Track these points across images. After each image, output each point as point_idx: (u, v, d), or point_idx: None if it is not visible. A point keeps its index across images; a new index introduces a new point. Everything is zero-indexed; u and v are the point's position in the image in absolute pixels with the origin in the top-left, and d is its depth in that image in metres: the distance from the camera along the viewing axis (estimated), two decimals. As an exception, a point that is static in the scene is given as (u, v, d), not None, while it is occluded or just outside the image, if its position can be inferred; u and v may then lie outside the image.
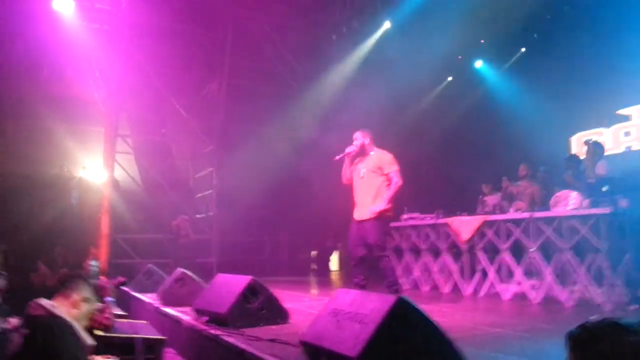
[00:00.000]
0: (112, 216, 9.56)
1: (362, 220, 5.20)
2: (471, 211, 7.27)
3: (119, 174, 10.16)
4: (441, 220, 7.18)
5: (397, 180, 5.21)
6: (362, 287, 5.09)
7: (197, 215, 10.76)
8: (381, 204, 5.12)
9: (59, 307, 2.61)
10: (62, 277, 2.87)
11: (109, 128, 10.06)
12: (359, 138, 5.36)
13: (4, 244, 5.85)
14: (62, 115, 10.48)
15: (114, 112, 10.10)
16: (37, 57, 10.39)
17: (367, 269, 5.28)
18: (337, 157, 5.36)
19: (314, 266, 12.32)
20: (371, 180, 5.25)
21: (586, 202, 5.61)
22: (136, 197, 10.28)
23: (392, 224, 8.09)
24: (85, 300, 2.75)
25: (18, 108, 10.44)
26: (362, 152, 5.37)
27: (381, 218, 5.15)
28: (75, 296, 2.72)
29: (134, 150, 10.53)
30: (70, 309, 2.67)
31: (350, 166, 5.41)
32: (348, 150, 5.33)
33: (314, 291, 8.33)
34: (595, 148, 6.69)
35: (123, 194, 10.12)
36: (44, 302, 2.58)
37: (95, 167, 10.81)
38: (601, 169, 6.36)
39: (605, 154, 8.47)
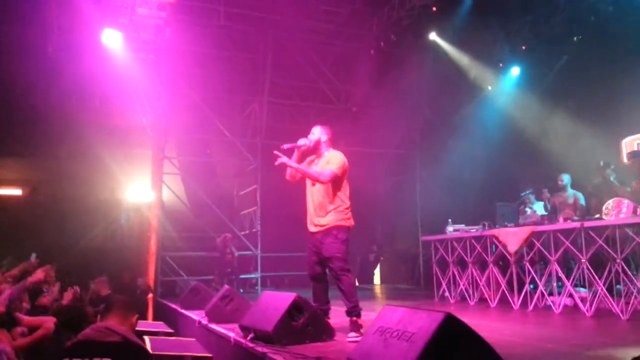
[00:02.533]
0: (159, 235, 9.83)
1: (314, 233, 4.54)
2: (516, 222, 7.11)
3: (166, 194, 10.47)
4: (487, 232, 7.05)
5: (324, 176, 4.42)
6: (325, 312, 4.56)
7: (242, 232, 10.94)
8: (336, 217, 4.43)
9: (128, 331, 2.64)
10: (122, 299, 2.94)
11: (156, 151, 10.41)
12: (316, 133, 4.65)
13: (55, 262, 6.11)
14: (111, 140, 10.97)
15: (160, 135, 10.46)
16: (88, 87, 10.92)
17: (324, 291, 4.66)
18: (286, 146, 4.56)
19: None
20: (323, 189, 4.52)
21: (640, 209, 5.42)
22: (183, 216, 10.57)
23: (436, 237, 8.03)
24: (136, 321, 2.83)
25: (71, 134, 10.97)
26: (315, 150, 4.66)
27: (336, 228, 4.42)
28: (132, 317, 2.78)
29: (181, 171, 10.84)
30: (130, 330, 2.73)
31: (299, 163, 4.66)
32: (300, 142, 4.59)
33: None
34: (637, 159, 6.53)
35: (170, 213, 10.42)
36: (114, 327, 2.59)
37: (144, 189, 11.19)
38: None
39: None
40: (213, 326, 5.25)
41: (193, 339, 4.93)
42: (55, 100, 11.09)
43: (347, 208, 4.54)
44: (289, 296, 4.27)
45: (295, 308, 4.18)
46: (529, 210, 7.61)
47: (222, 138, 10.97)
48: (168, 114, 10.48)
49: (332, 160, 4.55)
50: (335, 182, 4.50)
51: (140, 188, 11.70)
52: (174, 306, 7.55)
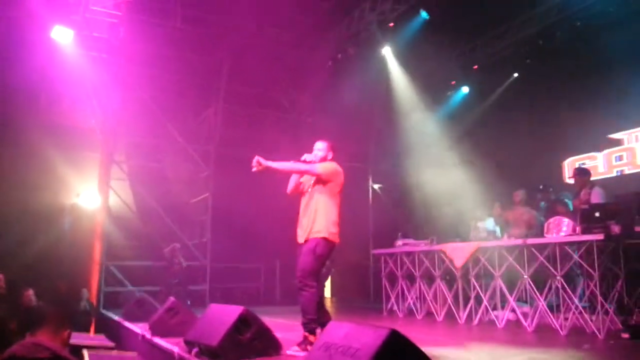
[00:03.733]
0: (104, 243, 9.49)
1: (302, 244, 4.58)
2: (466, 237, 7.28)
3: (113, 200, 10.13)
4: (435, 247, 7.18)
5: (313, 168, 4.50)
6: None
7: (191, 242, 10.70)
8: (318, 226, 4.43)
9: (59, 346, 2.51)
10: (51, 312, 2.77)
11: (105, 154, 10.08)
12: (323, 150, 4.67)
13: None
14: (58, 142, 10.50)
15: (110, 138, 10.13)
16: (35, 85, 10.46)
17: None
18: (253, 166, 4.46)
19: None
20: (313, 196, 4.57)
21: (579, 228, 5.64)
22: (130, 224, 10.24)
23: (386, 251, 8.11)
24: (69, 335, 2.70)
25: (14, 135, 10.46)
26: None
27: (316, 243, 4.42)
28: (64, 331, 2.66)
29: (129, 176, 10.52)
30: (62, 345, 2.61)
31: (299, 178, 4.75)
32: (307, 159, 4.61)
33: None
34: (582, 176, 6.84)
35: (117, 220, 10.08)
36: (44, 342, 2.46)
37: (90, 194, 10.78)
38: (596, 196, 6.43)
39: (598, 177, 8.65)
40: (157, 340, 5.09)
41: (135, 353, 4.76)
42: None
43: (334, 224, 4.51)
44: (236, 309, 4.20)
45: (242, 322, 4.11)
46: (480, 224, 7.81)
47: (174, 143, 10.72)
48: (119, 116, 10.16)
49: (325, 165, 4.59)
50: (327, 198, 4.52)
51: (87, 193, 11.27)
52: (117, 318, 7.30)
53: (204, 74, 11.21)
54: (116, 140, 10.30)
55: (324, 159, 4.64)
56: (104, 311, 8.74)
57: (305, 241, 4.52)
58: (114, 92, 10.06)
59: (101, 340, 5.47)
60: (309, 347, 4.17)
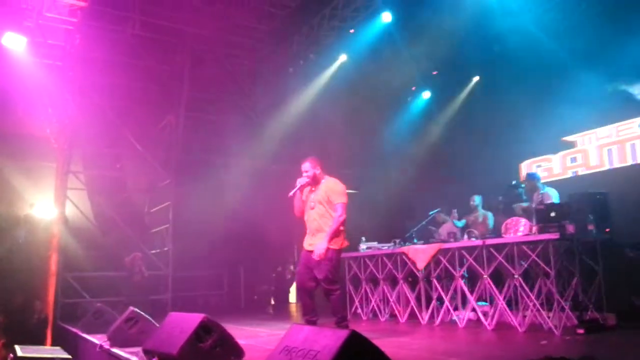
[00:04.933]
0: (62, 254, 9.20)
1: (311, 251, 5.05)
2: (426, 240, 7.38)
3: (70, 210, 9.83)
4: (398, 250, 7.25)
5: (340, 214, 5.03)
6: (313, 323, 4.93)
7: (153, 251, 10.48)
8: (327, 240, 4.95)
9: None
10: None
11: (61, 164, 9.78)
12: (310, 169, 5.23)
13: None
14: (11, 151, 10.15)
15: (66, 147, 9.84)
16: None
17: (314, 303, 5.12)
18: (291, 194, 5.24)
19: (272, 300, 12.14)
20: (321, 211, 5.13)
21: (535, 228, 5.80)
22: (88, 234, 9.94)
23: (350, 254, 8.15)
24: (4, 346, 2.60)
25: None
26: (314, 182, 5.25)
27: (330, 252, 4.96)
28: None
29: (87, 185, 10.23)
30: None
31: (302, 197, 5.31)
32: (300, 183, 5.20)
33: (271, 326, 8.19)
34: (531, 180, 7.10)
35: (75, 230, 9.78)
36: None
37: (46, 204, 10.44)
38: (548, 197, 6.65)
39: (554, 178, 8.92)
40: (115, 350, 4.96)
41: (91, 365, 4.62)
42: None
43: (342, 231, 5.08)
44: (197, 317, 4.12)
45: (203, 329, 4.04)
46: (444, 226, 7.97)
47: (133, 151, 10.49)
48: (75, 125, 9.88)
49: (335, 190, 5.13)
50: (331, 208, 5.07)
51: (43, 203, 10.91)
52: (74, 330, 7.06)
53: (163, 80, 11.04)
54: (72, 150, 10.01)
55: (315, 177, 5.21)
56: (61, 323, 8.45)
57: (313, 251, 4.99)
58: (70, 101, 9.79)
59: (57, 352, 5.29)
60: None
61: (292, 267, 12.45)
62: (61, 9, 9.34)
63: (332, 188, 5.16)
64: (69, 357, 5.10)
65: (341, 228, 5.06)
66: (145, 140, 10.64)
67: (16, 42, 8.98)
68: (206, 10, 10.21)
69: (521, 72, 9.58)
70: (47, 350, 5.81)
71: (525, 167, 9.95)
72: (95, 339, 5.71)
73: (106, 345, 5.20)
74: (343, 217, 5.05)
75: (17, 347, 4.76)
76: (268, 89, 11.63)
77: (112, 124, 10.14)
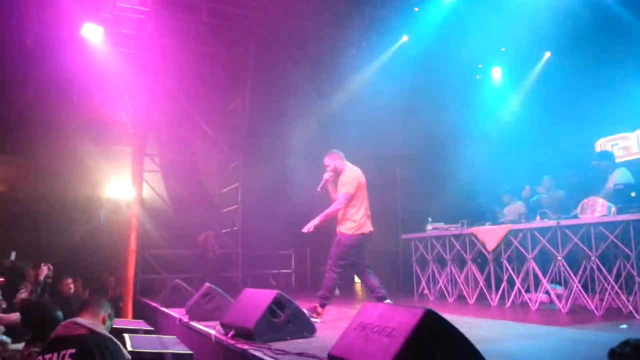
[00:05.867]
0: (139, 233, 9.75)
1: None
2: (495, 220, 7.23)
3: (147, 192, 10.37)
4: (466, 230, 7.15)
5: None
6: (380, 299, 5.28)
7: (223, 230, 10.89)
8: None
9: (93, 322, 2.66)
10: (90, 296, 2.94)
11: (137, 148, 10.29)
12: (330, 164, 5.55)
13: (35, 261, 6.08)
14: (91, 137, 10.81)
15: (141, 132, 10.33)
16: (67, 82, 10.75)
17: (372, 280, 5.48)
18: (319, 188, 5.52)
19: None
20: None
21: (614, 208, 5.54)
22: (164, 214, 10.47)
23: (416, 235, 8.14)
24: (109, 317, 2.84)
25: (49, 131, 10.80)
26: (337, 174, 5.56)
27: (340, 235, 5.36)
28: (103, 313, 2.79)
29: (162, 168, 10.74)
30: (101, 324, 2.74)
31: (334, 189, 5.59)
32: (325, 177, 5.51)
33: (339, 304, 8.34)
34: (604, 159, 6.75)
35: (150, 211, 10.32)
36: (81, 320, 2.62)
37: (124, 186, 11.08)
38: (621, 177, 6.31)
39: (631, 158, 8.45)
40: (194, 324, 5.24)
41: (174, 337, 4.91)
42: (32, 95, 10.89)
43: (358, 219, 5.36)
44: (271, 293, 4.29)
45: (277, 305, 4.20)
46: (511, 207, 7.74)
47: (204, 135, 10.89)
48: (149, 110, 10.36)
49: (343, 181, 5.44)
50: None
51: (120, 185, 11.57)
52: (154, 304, 7.50)
53: (230, 66, 11.33)
54: (147, 134, 10.51)
55: (336, 169, 5.52)
56: (141, 298, 8.99)
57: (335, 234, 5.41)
58: (144, 87, 10.24)
59: (141, 324, 5.66)
60: (314, 316, 5.10)
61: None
62: (134, -1, 9.75)
63: (341, 179, 5.48)
64: (152, 329, 5.44)
65: (355, 216, 5.35)
66: (214, 125, 11.03)
67: (94, 33, 9.46)
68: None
69: (595, 47, 9.09)
70: (133, 322, 6.22)
71: (601, 146, 9.48)
72: (175, 313, 6.06)
73: (185, 319, 5.51)
74: (339, 207, 5.35)
75: (106, 319, 5.13)
76: (331, 71, 11.62)
77: (183, 109, 10.55)
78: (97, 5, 9.65)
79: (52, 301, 5.89)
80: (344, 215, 5.39)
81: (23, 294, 5.37)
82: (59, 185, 11.14)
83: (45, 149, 11.21)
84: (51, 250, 9.23)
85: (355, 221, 5.36)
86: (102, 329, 2.67)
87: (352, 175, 5.46)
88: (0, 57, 10.22)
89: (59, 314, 3.50)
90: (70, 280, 7.64)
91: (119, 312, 8.92)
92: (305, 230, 5.35)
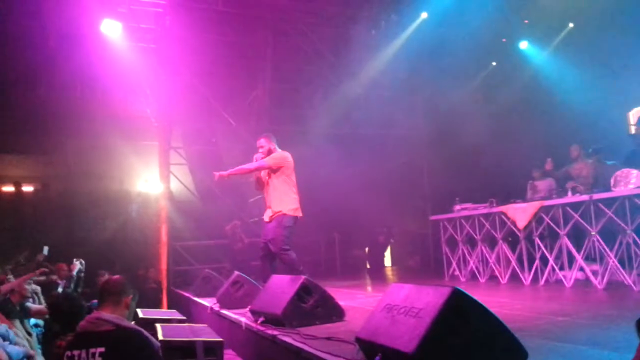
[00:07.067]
0: (169, 225, 9.88)
1: (267, 222, 5.41)
2: (525, 197, 7.06)
3: (174, 184, 10.49)
4: (495, 209, 7.02)
5: (258, 164, 5.38)
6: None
7: (251, 220, 10.95)
8: (279, 205, 5.26)
9: (118, 317, 2.61)
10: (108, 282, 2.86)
11: (162, 141, 10.40)
12: (265, 145, 5.51)
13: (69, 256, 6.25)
14: (118, 132, 10.97)
15: (166, 125, 10.44)
16: (91, 80, 10.92)
17: (271, 266, 5.47)
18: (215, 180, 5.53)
19: (367, 264, 12.30)
20: (271, 182, 5.41)
21: (649, 180, 5.34)
22: (192, 206, 10.57)
23: (444, 216, 8.02)
24: (133, 298, 2.76)
25: (77, 129, 11.01)
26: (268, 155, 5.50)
27: (281, 216, 5.27)
28: (124, 297, 2.72)
29: (188, 160, 10.83)
30: (124, 311, 2.68)
31: (259, 174, 5.57)
32: (258, 157, 5.48)
33: (369, 288, 8.32)
34: None
35: (179, 204, 10.44)
36: (106, 316, 2.56)
37: (153, 180, 11.23)
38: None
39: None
40: (225, 312, 5.30)
41: (205, 325, 4.97)
42: (59, 95, 11.10)
43: (293, 201, 5.35)
44: (298, 279, 4.29)
45: (304, 290, 4.20)
46: (538, 183, 7.49)
47: (226, 125, 10.91)
48: (172, 104, 10.44)
49: (275, 155, 5.45)
50: (281, 182, 5.34)
51: (149, 180, 11.75)
52: (186, 294, 7.63)
53: (248, 54, 11.29)
54: (172, 127, 10.60)
55: (270, 151, 5.47)
56: (173, 289, 9.14)
57: (270, 220, 5.37)
58: (165, 81, 10.31)
59: (173, 314, 5.75)
60: None
61: (384, 229, 12.48)
62: (150, -8, 9.79)
63: (274, 154, 5.49)
64: (184, 318, 5.52)
65: (295, 197, 5.41)
66: (236, 114, 11.02)
67: (113, 29, 9.56)
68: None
69: (622, 13, 8.73)
70: (165, 312, 6.33)
71: (633, 116, 9.16)
72: (206, 302, 6.13)
73: (216, 308, 5.57)
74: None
75: (138, 310, 5.23)
76: (351, 54, 11.49)
77: (205, 100, 10.59)
78: (115, 0, 9.73)
79: (89, 293, 6.05)
80: (285, 194, 5.32)
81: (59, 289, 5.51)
82: (89, 182, 11.38)
83: (74, 146, 11.45)
84: (85, 245, 9.47)
85: (297, 202, 5.37)
86: (127, 321, 2.65)
87: (282, 154, 5.47)
88: (25, 58, 10.43)
89: (86, 304, 3.53)
90: (105, 274, 7.80)
91: (159, 303, 9.10)
92: (217, 176, 5.37)
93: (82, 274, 5.75)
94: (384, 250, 12.79)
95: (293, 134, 11.39)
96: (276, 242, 5.24)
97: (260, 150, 5.51)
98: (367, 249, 12.57)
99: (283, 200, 5.30)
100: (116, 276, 2.89)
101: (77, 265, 5.62)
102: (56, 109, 10.94)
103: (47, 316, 4.69)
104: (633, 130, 8.08)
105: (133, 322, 2.92)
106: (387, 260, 12.99)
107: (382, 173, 11.31)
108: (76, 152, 11.38)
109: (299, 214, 5.38)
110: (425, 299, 2.63)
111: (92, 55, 10.02)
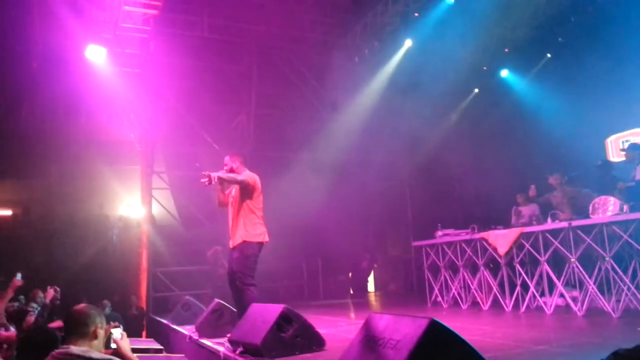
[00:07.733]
0: (151, 250, 9.75)
1: (233, 248, 5.03)
2: (506, 224, 7.11)
3: (156, 209, 10.39)
4: (477, 235, 7.05)
5: (243, 178, 4.92)
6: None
7: (233, 245, 10.86)
8: (246, 232, 4.90)
9: (87, 349, 2.49)
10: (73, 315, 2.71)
11: (145, 166, 10.35)
12: (229, 164, 5.12)
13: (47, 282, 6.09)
14: (101, 157, 10.91)
15: (149, 150, 10.40)
16: (75, 104, 10.87)
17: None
18: (202, 180, 4.79)
19: (350, 289, 12.24)
20: (238, 206, 5.03)
21: (626, 206, 5.42)
22: (174, 231, 10.48)
23: (426, 242, 8.03)
24: (101, 326, 2.62)
25: (59, 153, 10.91)
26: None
27: (246, 245, 4.91)
28: (92, 327, 2.56)
29: (170, 185, 10.77)
30: (93, 341, 2.57)
31: (225, 191, 5.25)
32: (213, 174, 4.80)
33: (352, 314, 8.26)
34: (634, 151, 6.45)
35: (161, 228, 10.33)
36: (74, 349, 2.44)
37: (135, 204, 11.12)
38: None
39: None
40: (203, 341, 5.20)
41: (182, 355, 4.87)
42: (41, 118, 11.02)
43: (260, 225, 5.03)
44: (277, 307, 4.23)
45: (284, 319, 4.14)
46: (522, 210, 7.56)
47: (210, 150, 10.89)
48: (155, 128, 10.42)
49: (247, 174, 5.06)
50: (251, 204, 5.01)
51: (131, 204, 11.63)
52: (165, 322, 7.47)
53: (233, 79, 11.36)
54: (155, 152, 10.56)
55: (232, 171, 5.07)
56: (153, 316, 8.98)
57: (234, 248, 4.99)
58: (149, 105, 10.32)
59: (150, 343, 5.63)
60: None
61: (367, 255, 12.47)
62: (135, 18, 9.85)
63: (249, 174, 5.10)
64: (161, 347, 5.41)
65: (261, 222, 5.09)
66: (220, 139, 11.02)
67: (97, 54, 9.59)
68: (270, 6, 10.37)
69: (600, 42, 8.99)
70: (142, 341, 6.20)
71: (611, 143, 9.36)
72: (185, 330, 6.02)
73: (195, 336, 5.46)
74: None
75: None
76: (335, 80, 11.63)
77: (188, 125, 10.58)
78: (100, 26, 9.77)
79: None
80: (247, 218, 4.94)
81: (31, 317, 5.36)
82: (70, 206, 11.23)
83: (56, 170, 11.33)
84: (64, 270, 9.29)
85: (262, 226, 5.04)
86: (97, 352, 2.54)
87: (254, 175, 5.11)
88: (8, 80, 10.36)
89: (60, 335, 3.40)
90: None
91: (140, 331, 8.92)
92: (205, 177, 4.67)
93: (58, 302, 5.61)
94: (367, 275, 12.76)
95: (277, 159, 11.43)
96: (240, 276, 4.87)
97: (225, 168, 5.10)
98: (350, 274, 12.51)
99: (246, 225, 4.95)
100: (81, 305, 2.69)
101: (52, 292, 5.48)
102: (38, 132, 10.85)
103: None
104: (613, 157, 8.18)
105: (111, 351, 2.83)
106: (371, 286, 12.94)
107: (366, 199, 11.35)
108: (59, 176, 11.26)
109: (265, 239, 5.05)
110: (404, 331, 2.63)
111: (76, 79, 10.01)
